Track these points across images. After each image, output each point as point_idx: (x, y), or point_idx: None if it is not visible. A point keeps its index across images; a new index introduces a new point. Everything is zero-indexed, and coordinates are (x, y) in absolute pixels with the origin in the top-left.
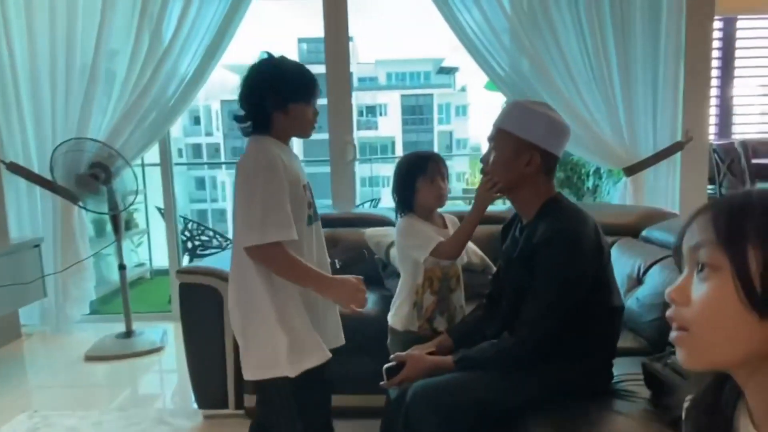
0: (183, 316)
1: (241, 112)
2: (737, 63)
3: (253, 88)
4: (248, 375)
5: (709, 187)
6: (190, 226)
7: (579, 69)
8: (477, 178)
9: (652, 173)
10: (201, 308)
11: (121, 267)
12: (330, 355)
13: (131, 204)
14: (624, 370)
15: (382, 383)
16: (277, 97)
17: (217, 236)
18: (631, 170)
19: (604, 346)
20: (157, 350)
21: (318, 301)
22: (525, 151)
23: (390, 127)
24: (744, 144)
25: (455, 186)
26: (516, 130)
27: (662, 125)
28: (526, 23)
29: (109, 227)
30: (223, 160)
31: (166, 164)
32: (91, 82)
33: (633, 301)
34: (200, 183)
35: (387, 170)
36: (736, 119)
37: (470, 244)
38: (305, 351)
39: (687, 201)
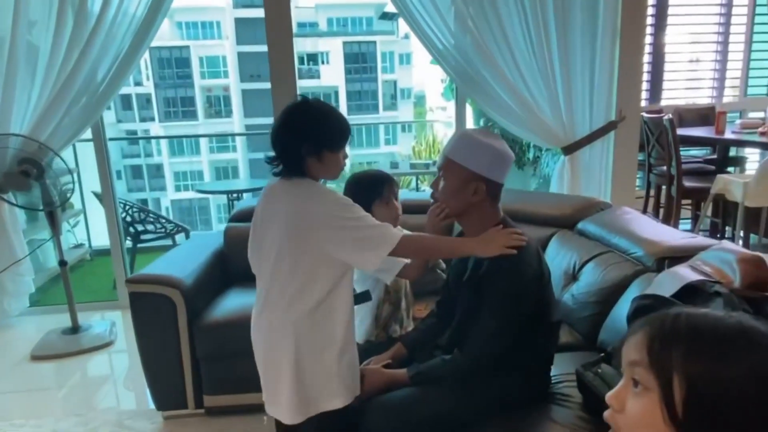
0: (135, 323)
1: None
2: (669, 20)
3: (290, 134)
4: (297, 417)
5: (639, 155)
6: (131, 211)
7: (521, 51)
8: (423, 147)
9: (588, 151)
10: (154, 315)
11: (62, 263)
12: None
13: (68, 192)
14: (560, 369)
15: None
16: (313, 145)
17: (161, 220)
18: (568, 149)
19: (543, 357)
20: (107, 345)
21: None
22: (471, 181)
23: (332, 76)
24: (671, 121)
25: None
26: (464, 161)
27: (598, 105)
28: (470, 2)
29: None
30: (155, 111)
31: (100, 144)
32: (11, 63)
33: (568, 297)
34: (133, 135)
35: None
36: (666, 84)
37: None
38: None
39: (618, 174)
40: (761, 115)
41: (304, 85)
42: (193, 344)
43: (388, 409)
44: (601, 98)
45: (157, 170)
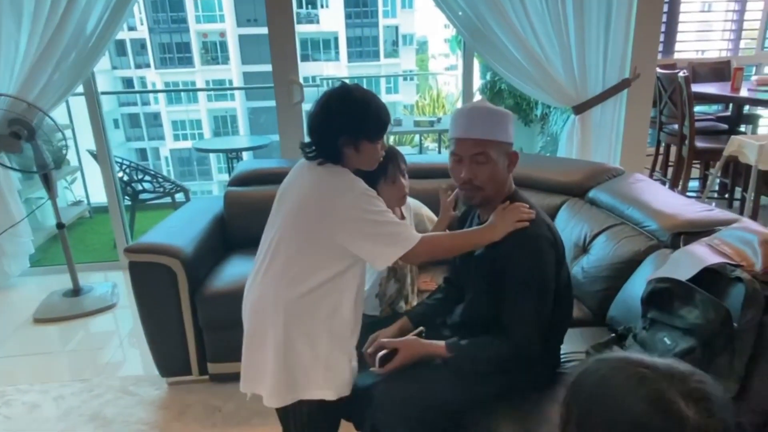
0: (136, 293)
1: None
2: None
3: (328, 121)
4: (281, 401)
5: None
6: (128, 170)
7: (534, 5)
8: (427, 101)
9: (599, 110)
10: (154, 285)
11: (60, 226)
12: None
13: (63, 151)
14: (569, 346)
15: (374, 369)
16: (352, 135)
17: (158, 179)
18: (579, 108)
19: (558, 334)
20: (110, 307)
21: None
22: (508, 155)
23: (332, 20)
24: (686, 78)
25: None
26: (499, 135)
27: (612, 62)
28: None
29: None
30: (150, 57)
31: (92, 100)
32: None
33: (578, 270)
34: (128, 84)
35: (332, 68)
36: (680, 36)
37: (427, 211)
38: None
39: (630, 134)
40: None
41: (302, 30)
42: (195, 313)
43: (397, 403)
44: (616, 54)
45: (155, 119)
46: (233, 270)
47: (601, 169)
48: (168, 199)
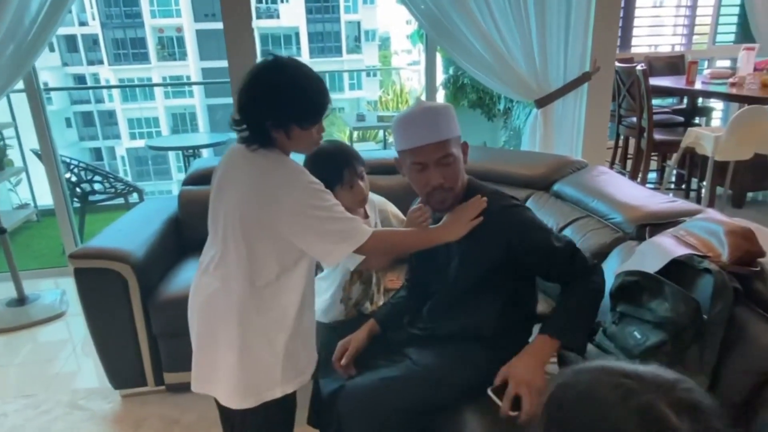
0: (83, 302)
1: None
2: None
3: (253, 101)
4: (243, 403)
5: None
6: (76, 170)
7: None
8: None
9: (561, 104)
10: (103, 292)
11: (1, 231)
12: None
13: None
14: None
15: (507, 413)
16: (279, 120)
17: (109, 179)
18: (541, 102)
19: (528, 323)
20: (59, 316)
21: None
22: (461, 147)
23: (292, 15)
24: (644, 72)
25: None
26: (452, 132)
27: (573, 55)
28: None
29: None
30: (104, 53)
31: (34, 96)
32: None
33: None
34: (80, 81)
35: None
36: (635, 31)
37: (392, 208)
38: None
39: (590, 127)
40: (727, 63)
41: (262, 25)
42: (148, 321)
43: (362, 400)
44: (576, 48)
45: (110, 117)
46: (189, 274)
47: (564, 162)
48: (121, 201)
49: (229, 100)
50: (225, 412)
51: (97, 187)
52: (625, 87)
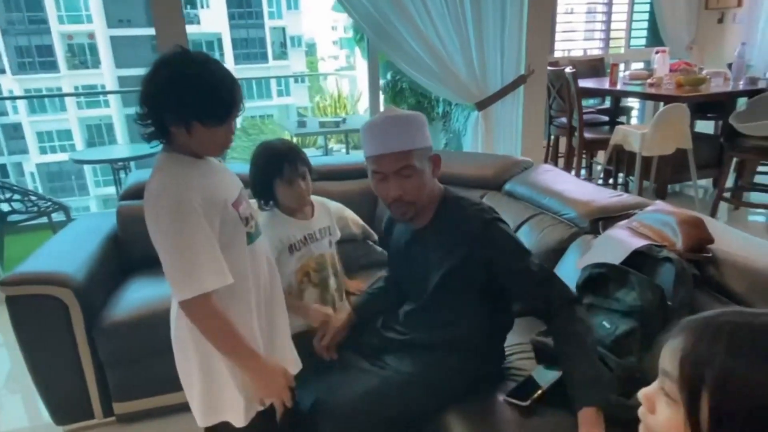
0: (18, 333)
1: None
2: None
3: (154, 91)
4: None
5: None
6: None
7: (435, 4)
8: (328, 102)
9: (500, 106)
10: (41, 321)
11: None
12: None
13: None
14: (511, 339)
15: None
16: (179, 112)
17: (30, 196)
18: (481, 105)
19: (505, 325)
20: None
21: (269, 329)
22: (431, 159)
23: (214, 21)
24: (574, 74)
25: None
26: (417, 143)
27: (509, 59)
28: None
29: None
30: (5, 62)
31: None
32: None
33: None
34: None
35: None
36: (558, 36)
37: (351, 214)
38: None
39: (528, 127)
40: (641, 65)
41: None
42: (94, 348)
43: (340, 414)
44: (511, 52)
45: (15, 130)
46: (135, 295)
47: (512, 162)
48: (44, 220)
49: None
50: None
51: (16, 206)
52: (555, 89)
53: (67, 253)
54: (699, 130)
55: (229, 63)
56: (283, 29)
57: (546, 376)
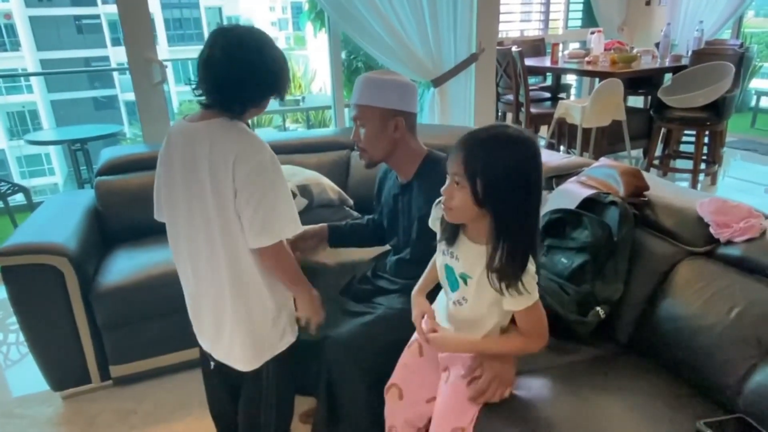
0: (14, 302)
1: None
2: None
3: (239, 77)
4: (253, 363)
5: None
6: None
7: None
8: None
9: (454, 82)
10: (37, 289)
11: None
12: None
13: None
14: None
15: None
16: (261, 93)
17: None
18: (437, 81)
19: None
20: None
21: None
22: (390, 119)
23: None
24: (520, 53)
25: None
26: (376, 101)
27: (461, 38)
28: None
29: None
30: None
31: None
32: None
33: None
34: None
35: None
36: (503, 17)
37: (327, 181)
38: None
39: (480, 103)
40: (577, 45)
41: (109, 11)
42: (90, 314)
43: (345, 343)
44: (464, 31)
45: None
46: (126, 263)
47: (464, 131)
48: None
49: (77, 95)
50: (238, 383)
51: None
52: (502, 67)
53: (52, 226)
54: (631, 105)
55: (162, 44)
56: (220, 9)
57: None
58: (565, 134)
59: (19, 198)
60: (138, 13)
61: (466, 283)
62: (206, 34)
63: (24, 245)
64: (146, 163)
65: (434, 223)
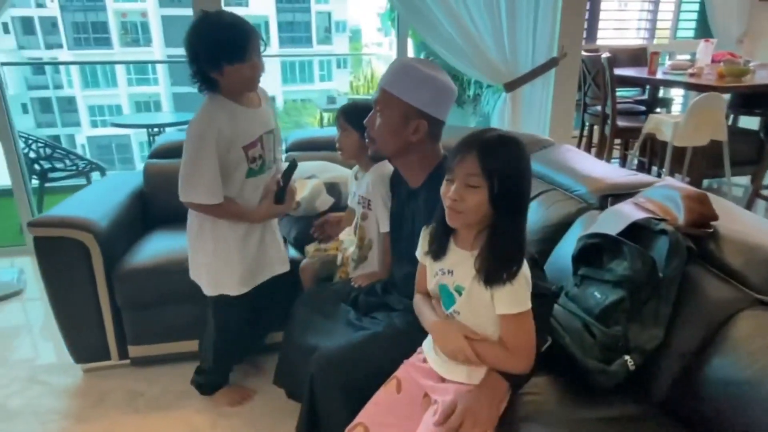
0: (43, 273)
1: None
2: None
3: (188, 51)
4: (207, 291)
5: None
6: (34, 146)
7: None
8: (361, 82)
9: (529, 88)
10: (64, 262)
11: None
12: (247, 288)
13: None
14: None
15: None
16: (209, 59)
17: (71, 156)
18: (510, 86)
19: None
20: (15, 294)
21: (257, 239)
22: (412, 119)
23: (262, 4)
24: (609, 60)
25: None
26: (404, 94)
27: (541, 41)
28: None
29: None
30: (63, 37)
31: None
32: None
33: None
34: (38, 67)
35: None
36: (601, 24)
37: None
38: (248, 277)
39: (557, 112)
40: (687, 57)
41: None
42: (112, 292)
43: (331, 359)
44: (544, 34)
45: (69, 104)
46: (154, 245)
47: (532, 139)
48: (83, 180)
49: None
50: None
51: (57, 164)
52: (590, 76)
53: (93, 202)
54: (743, 125)
55: (273, 45)
56: (329, 14)
57: None
58: (657, 152)
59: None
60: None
61: (460, 294)
62: (315, 38)
63: (52, 218)
64: None
65: (420, 253)
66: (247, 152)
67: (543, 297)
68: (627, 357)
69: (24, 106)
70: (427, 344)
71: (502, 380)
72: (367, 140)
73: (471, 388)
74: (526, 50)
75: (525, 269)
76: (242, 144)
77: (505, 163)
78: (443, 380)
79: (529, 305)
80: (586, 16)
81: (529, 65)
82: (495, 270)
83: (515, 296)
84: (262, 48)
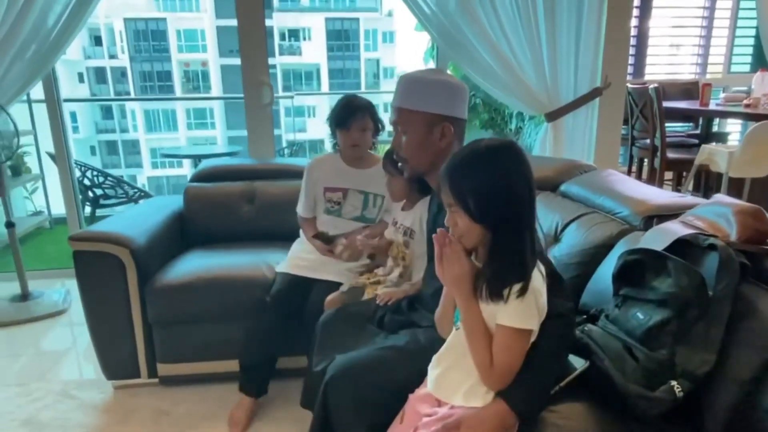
0: (81, 285)
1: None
2: (654, 2)
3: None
4: None
5: (623, 126)
6: (89, 174)
7: (506, 11)
8: None
9: (572, 118)
10: (101, 276)
11: (9, 225)
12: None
13: (16, 150)
14: None
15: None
16: (330, 123)
17: (122, 185)
18: (552, 116)
19: None
20: (60, 313)
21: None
22: (436, 124)
23: (314, 52)
24: (657, 90)
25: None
26: (421, 105)
27: (583, 70)
28: None
29: None
30: (131, 85)
31: (53, 102)
32: None
33: (551, 259)
34: (107, 111)
35: (313, 100)
36: (649, 59)
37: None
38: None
39: (602, 144)
40: (743, 88)
41: (284, 61)
42: (144, 308)
43: (348, 378)
44: (586, 63)
45: (133, 147)
46: (188, 264)
47: (573, 165)
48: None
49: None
50: None
51: (108, 192)
52: (638, 108)
53: (134, 221)
54: None
55: (324, 91)
56: (378, 61)
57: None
58: (711, 186)
59: None
60: (255, 34)
61: None
62: (363, 83)
63: (92, 233)
64: (235, 175)
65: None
66: (325, 193)
67: (561, 318)
68: (674, 383)
69: (92, 149)
70: (432, 362)
71: (510, 412)
72: (399, 164)
73: (475, 411)
74: (567, 80)
75: (536, 284)
76: (324, 185)
77: (475, 180)
78: (440, 404)
79: (532, 326)
80: (632, 52)
81: (571, 95)
82: (493, 286)
83: (519, 311)
84: (372, 128)
